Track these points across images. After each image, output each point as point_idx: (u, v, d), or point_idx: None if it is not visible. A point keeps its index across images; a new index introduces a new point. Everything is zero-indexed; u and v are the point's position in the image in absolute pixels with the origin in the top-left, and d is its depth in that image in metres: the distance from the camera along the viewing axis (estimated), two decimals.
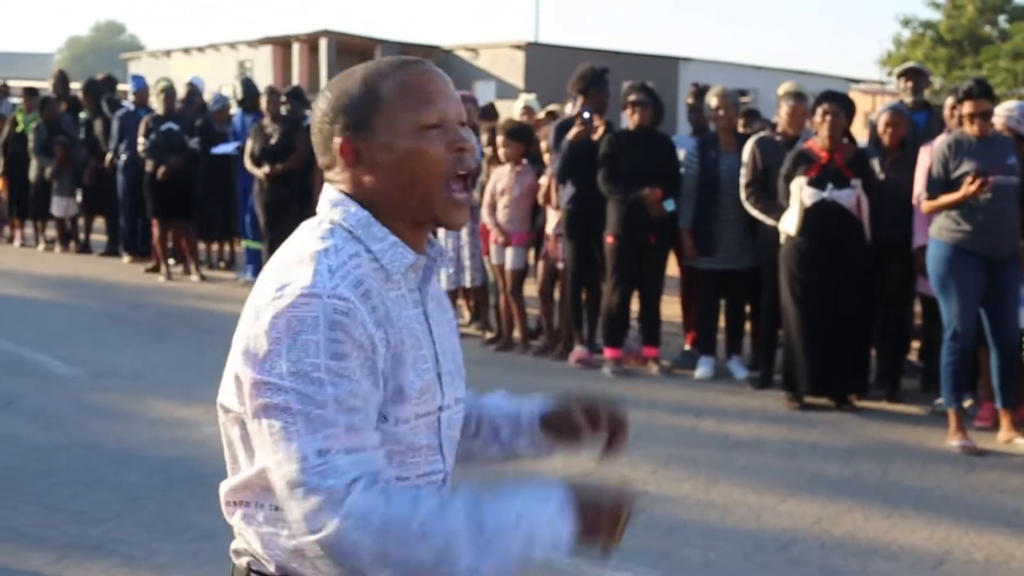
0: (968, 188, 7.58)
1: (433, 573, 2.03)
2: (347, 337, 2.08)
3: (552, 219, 10.16)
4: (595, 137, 9.73)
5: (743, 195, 9.11)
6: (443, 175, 2.22)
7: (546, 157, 10.36)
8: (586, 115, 9.81)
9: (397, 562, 2.02)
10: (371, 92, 2.23)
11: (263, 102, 13.36)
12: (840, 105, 8.58)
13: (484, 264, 10.78)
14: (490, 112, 13.87)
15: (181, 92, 16.26)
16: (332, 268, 2.13)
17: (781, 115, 9.50)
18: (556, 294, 10.48)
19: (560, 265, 10.18)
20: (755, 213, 9.03)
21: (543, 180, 10.22)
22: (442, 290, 2.46)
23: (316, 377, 2.05)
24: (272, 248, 12.52)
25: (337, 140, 2.24)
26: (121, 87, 17.98)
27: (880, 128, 9.12)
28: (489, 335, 10.96)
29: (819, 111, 8.54)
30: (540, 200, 10.26)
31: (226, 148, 14.33)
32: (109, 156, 15.77)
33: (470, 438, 2.54)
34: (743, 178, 9.14)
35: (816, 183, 8.39)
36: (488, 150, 10.88)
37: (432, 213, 2.24)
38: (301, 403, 2.04)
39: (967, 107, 7.85)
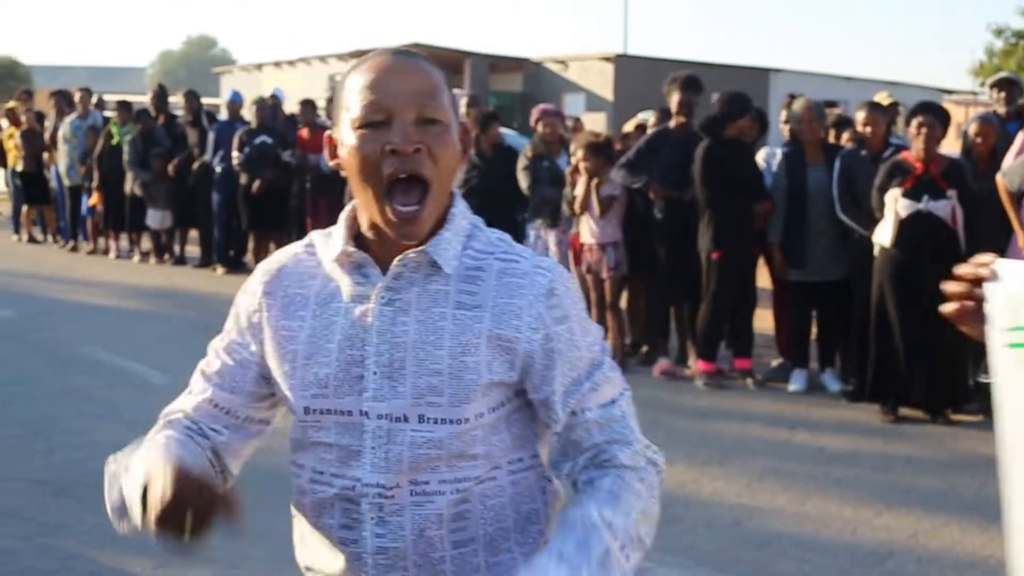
0: None
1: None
2: (240, 296, 2.38)
3: (585, 228, 10.14)
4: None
5: (839, 206, 9.04)
6: (378, 179, 2.14)
7: (573, 159, 10.38)
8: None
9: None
10: (342, 85, 2.23)
11: None
12: (935, 116, 8.51)
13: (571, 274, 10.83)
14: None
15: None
16: (286, 248, 2.40)
17: (857, 124, 9.46)
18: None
19: (604, 276, 10.18)
20: (852, 224, 8.96)
21: (579, 190, 10.18)
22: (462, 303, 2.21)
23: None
24: None
25: (327, 133, 2.30)
26: (209, 101, 18.14)
27: (971, 138, 9.05)
28: None
29: (914, 123, 8.47)
30: (577, 209, 10.22)
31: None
32: (196, 164, 16.04)
33: None
34: (836, 189, 9.07)
35: (911, 194, 8.32)
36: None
37: (378, 220, 2.18)
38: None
39: None
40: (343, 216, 2.30)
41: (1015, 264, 2.11)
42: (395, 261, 2.19)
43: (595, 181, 10.02)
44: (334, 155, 2.26)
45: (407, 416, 2.19)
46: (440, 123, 2.16)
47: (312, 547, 2.35)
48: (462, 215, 2.27)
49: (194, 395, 2.41)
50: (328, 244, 2.30)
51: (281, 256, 2.36)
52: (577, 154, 10.23)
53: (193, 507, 2.01)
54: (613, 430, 2.27)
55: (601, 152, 10.16)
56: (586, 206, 10.09)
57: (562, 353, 2.22)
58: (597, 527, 2.14)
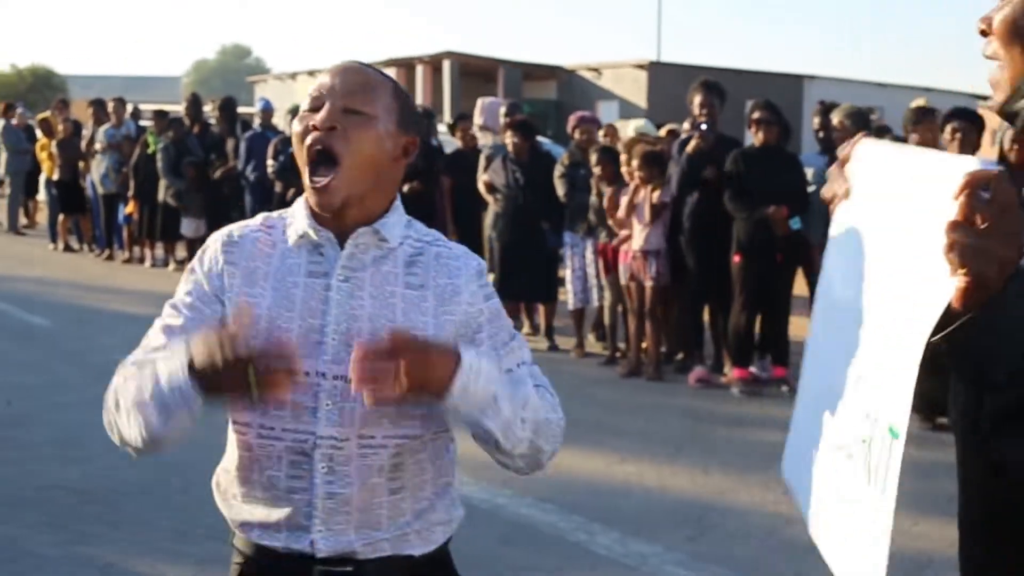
0: None
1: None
2: (198, 264, 2.62)
3: (638, 235, 10.11)
4: (694, 147, 9.81)
5: None
6: (303, 154, 2.48)
7: (624, 170, 10.37)
8: (703, 127, 9.82)
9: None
10: None
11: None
12: (970, 122, 8.46)
13: (603, 284, 10.86)
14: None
15: None
16: (239, 224, 2.65)
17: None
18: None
19: (648, 284, 10.16)
20: None
21: (624, 197, 10.19)
22: (423, 277, 2.57)
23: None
24: None
25: None
26: (242, 110, 18.24)
27: (1007, 145, 8.99)
28: (605, 352, 10.97)
29: (948, 128, 8.44)
30: (621, 214, 10.21)
31: None
32: (220, 171, 16.19)
33: None
34: None
35: None
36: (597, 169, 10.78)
37: (307, 191, 2.52)
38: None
39: None
40: (301, 200, 2.60)
41: (874, 144, 2.07)
42: (349, 240, 2.52)
43: (651, 188, 10.03)
44: None
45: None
46: (364, 114, 2.48)
47: (250, 502, 2.63)
48: (401, 209, 2.65)
49: (157, 348, 2.61)
50: (287, 224, 2.60)
51: (238, 231, 2.62)
52: (631, 163, 10.21)
53: (252, 360, 2.25)
54: (538, 379, 2.66)
55: (656, 161, 10.17)
56: (634, 213, 10.09)
57: (491, 321, 2.62)
58: (511, 370, 2.60)
